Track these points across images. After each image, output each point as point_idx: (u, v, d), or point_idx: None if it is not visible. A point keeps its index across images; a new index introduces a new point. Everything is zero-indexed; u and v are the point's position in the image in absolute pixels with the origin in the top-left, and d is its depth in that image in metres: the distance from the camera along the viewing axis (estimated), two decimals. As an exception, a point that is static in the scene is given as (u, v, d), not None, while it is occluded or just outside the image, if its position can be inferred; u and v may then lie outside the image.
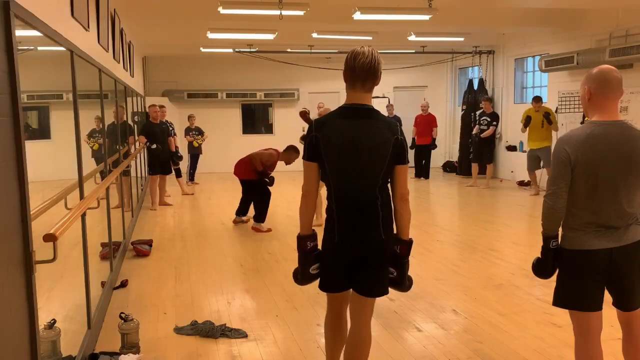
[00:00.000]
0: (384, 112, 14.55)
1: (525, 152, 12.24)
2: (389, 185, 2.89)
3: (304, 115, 8.66)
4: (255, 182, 8.14)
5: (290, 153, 8.03)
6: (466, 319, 4.52)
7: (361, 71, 2.80)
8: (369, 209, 2.82)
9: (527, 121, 10.64)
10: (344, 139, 2.77)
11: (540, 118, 10.48)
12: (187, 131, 13.30)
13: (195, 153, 13.34)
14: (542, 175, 11.00)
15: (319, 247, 2.99)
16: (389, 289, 2.97)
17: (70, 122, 3.74)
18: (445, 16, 9.07)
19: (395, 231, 2.92)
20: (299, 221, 2.97)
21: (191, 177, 13.41)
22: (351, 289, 2.97)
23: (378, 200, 2.82)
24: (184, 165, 13.67)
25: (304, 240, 2.94)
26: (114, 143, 6.60)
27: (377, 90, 11.82)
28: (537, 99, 10.71)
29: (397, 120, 14.33)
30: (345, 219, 2.85)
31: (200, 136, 13.31)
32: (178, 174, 11.64)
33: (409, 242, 2.89)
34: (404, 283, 2.95)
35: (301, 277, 3.01)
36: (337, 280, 2.97)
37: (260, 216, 8.05)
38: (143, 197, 10.63)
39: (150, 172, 10.05)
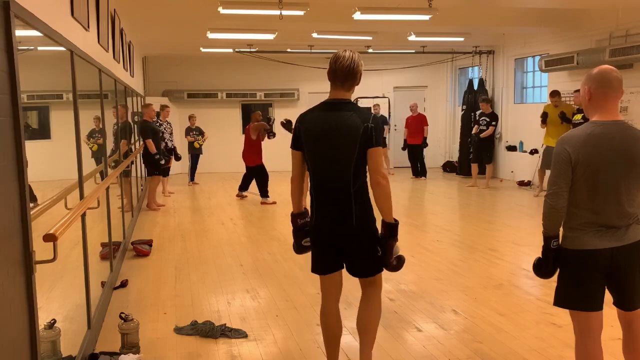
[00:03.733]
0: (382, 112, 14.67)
1: (525, 152, 12.27)
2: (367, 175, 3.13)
3: (285, 125, 9.74)
4: (257, 167, 10.40)
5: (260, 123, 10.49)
6: (466, 319, 4.52)
7: (341, 73, 3.10)
8: (341, 195, 3.09)
9: (544, 117, 10.17)
10: (321, 128, 3.11)
11: (557, 113, 9.92)
12: (188, 131, 13.30)
13: (195, 153, 13.35)
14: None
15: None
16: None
17: (70, 122, 3.74)
18: (445, 16, 9.07)
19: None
20: (291, 202, 3.35)
21: (192, 177, 13.42)
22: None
23: (351, 187, 3.07)
24: (184, 165, 13.70)
25: (295, 217, 3.35)
26: (117, 141, 6.60)
27: (377, 90, 11.99)
28: (553, 94, 10.15)
29: (383, 119, 14.38)
30: (321, 203, 3.17)
31: (201, 137, 13.31)
32: (165, 173, 11.00)
33: (391, 224, 3.11)
34: (388, 263, 3.17)
35: (296, 248, 3.39)
36: (321, 262, 3.27)
37: (264, 192, 10.25)
38: (143, 197, 10.62)
39: (150, 173, 9.99)
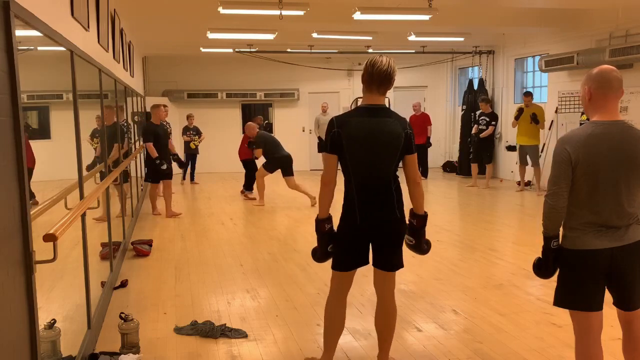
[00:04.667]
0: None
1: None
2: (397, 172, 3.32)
3: (250, 145, 10.45)
4: (248, 160, 11.04)
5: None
6: (466, 319, 4.52)
7: (378, 77, 3.23)
8: (386, 193, 3.28)
9: (518, 113, 10.85)
10: (364, 133, 3.21)
11: (529, 113, 10.66)
12: (185, 130, 13.27)
13: (192, 153, 13.28)
14: (542, 174, 11.04)
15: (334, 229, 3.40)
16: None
17: (71, 122, 3.74)
18: (445, 16, 9.06)
19: (412, 208, 3.42)
20: (319, 206, 3.38)
21: (191, 177, 13.41)
22: (373, 267, 3.41)
23: (392, 185, 3.29)
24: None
25: (322, 222, 3.36)
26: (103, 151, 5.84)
27: (377, 90, 11.22)
28: (527, 94, 10.96)
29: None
30: (365, 203, 3.27)
31: (197, 137, 13.24)
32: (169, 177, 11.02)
33: (424, 216, 3.42)
34: (422, 247, 3.48)
35: (320, 255, 3.43)
36: (353, 259, 3.37)
37: (249, 186, 11.04)
38: (143, 197, 10.62)
39: (151, 180, 9.27)
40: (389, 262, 3.38)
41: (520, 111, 10.83)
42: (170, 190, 9.22)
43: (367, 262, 3.41)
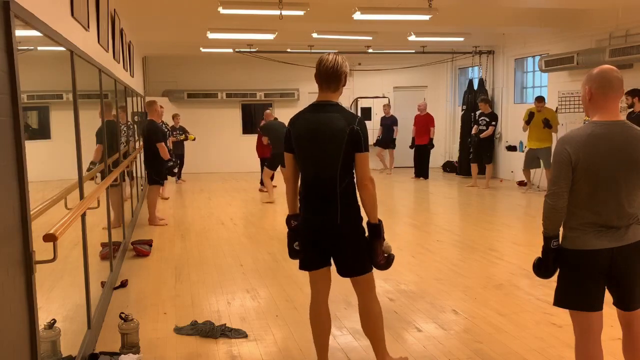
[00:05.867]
0: (381, 112, 14.65)
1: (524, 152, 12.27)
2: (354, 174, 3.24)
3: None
4: (266, 158, 10.77)
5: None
6: (466, 319, 4.52)
7: (325, 74, 3.23)
8: (328, 193, 3.19)
9: (529, 118, 10.52)
10: (308, 129, 3.23)
11: (541, 117, 10.39)
12: (172, 131, 13.10)
13: (179, 153, 12.98)
14: (543, 175, 11.02)
15: None
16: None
17: (71, 122, 3.74)
18: (445, 16, 9.07)
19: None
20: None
21: (178, 175, 13.26)
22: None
23: (337, 187, 3.17)
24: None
25: (289, 219, 3.41)
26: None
27: (377, 90, 12.00)
28: (539, 99, 10.61)
29: (393, 120, 14.37)
30: (309, 202, 3.27)
31: (183, 135, 13.06)
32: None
33: (375, 225, 3.24)
34: (376, 263, 3.29)
35: (289, 252, 3.44)
36: (308, 258, 3.35)
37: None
38: (143, 198, 10.61)
39: (152, 182, 8.60)
40: (344, 269, 3.31)
41: (530, 115, 10.53)
42: (156, 197, 8.73)
43: (327, 264, 3.34)
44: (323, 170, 3.20)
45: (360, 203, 3.25)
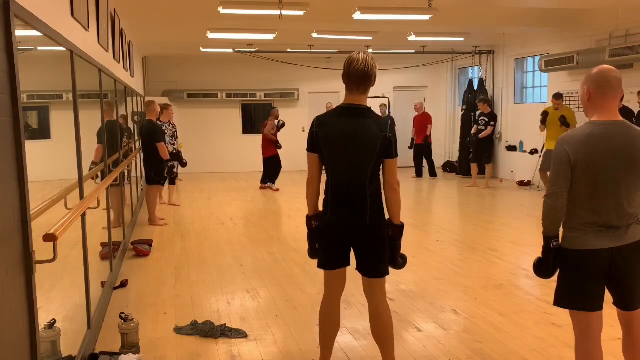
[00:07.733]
0: (378, 112, 14.65)
1: (525, 152, 12.26)
2: (381, 177, 3.26)
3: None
4: (271, 157, 11.89)
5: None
6: (466, 319, 4.52)
7: (356, 76, 3.17)
8: (358, 196, 3.20)
9: (544, 117, 10.05)
10: (340, 134, 3.18)
11: (557, 116, 9.83)
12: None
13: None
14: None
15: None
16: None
17: (71, 122, 3.74)
18: (445, 16, 9.07)
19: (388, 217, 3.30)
20: (307, 204, 3.44)
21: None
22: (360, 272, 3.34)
23: (367, 190, 3.20)
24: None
25: (310, 220, 3.42)
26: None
27: (377, 90, 11.96)
28: (557, 96, 10.00)
29: (390, 119, 14.36)
30: (337, 202, 3.25)
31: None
32: (172, 182, 10.27)
33: (400, 226, 3.29)
34: (396, 261, 3.33)
35: (310, 252, 3.45)
36: (331, 258, 3.34)
37: (274, 180, 11.99)
38: (143, 198, 10.61)
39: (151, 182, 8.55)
40: (369, 269, 3.30)
41: (545, 114, 10.10)
42: (156, 196, 8.74)
43: (347, 264, 3.35)
44: (355, 174, 3.20)
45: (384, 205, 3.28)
